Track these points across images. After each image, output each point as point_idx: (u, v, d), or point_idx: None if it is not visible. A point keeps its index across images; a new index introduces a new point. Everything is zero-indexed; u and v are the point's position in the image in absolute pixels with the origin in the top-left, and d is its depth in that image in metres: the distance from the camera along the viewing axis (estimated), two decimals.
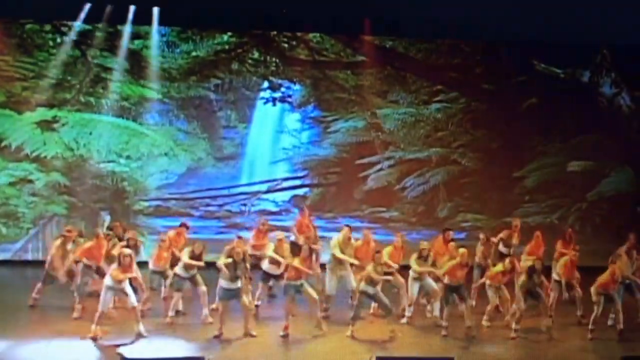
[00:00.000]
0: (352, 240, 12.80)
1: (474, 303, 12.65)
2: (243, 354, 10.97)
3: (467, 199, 17.32)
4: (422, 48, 17.23)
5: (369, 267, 11.73)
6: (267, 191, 17.25)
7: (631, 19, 15.19)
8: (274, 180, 17.29)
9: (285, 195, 17.30)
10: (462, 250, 11.99)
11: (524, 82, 17.18)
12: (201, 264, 12.08)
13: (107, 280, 11.36)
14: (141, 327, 11.37)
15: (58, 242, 12.83)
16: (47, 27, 16.31)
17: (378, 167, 17.28)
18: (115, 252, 12.01)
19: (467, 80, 17.23)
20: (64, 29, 16.31)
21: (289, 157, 17.30)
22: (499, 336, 11.94)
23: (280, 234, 13.06)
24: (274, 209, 17.02)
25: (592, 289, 11.88)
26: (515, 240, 13.60)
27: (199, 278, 12.22)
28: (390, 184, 17.29)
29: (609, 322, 12.22)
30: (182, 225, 13.49)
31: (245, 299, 11.60)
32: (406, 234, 15.70)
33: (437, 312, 12.40)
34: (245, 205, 17.08)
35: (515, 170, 17.34)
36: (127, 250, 11.54)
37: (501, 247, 13.52)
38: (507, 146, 17.27)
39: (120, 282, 11.26)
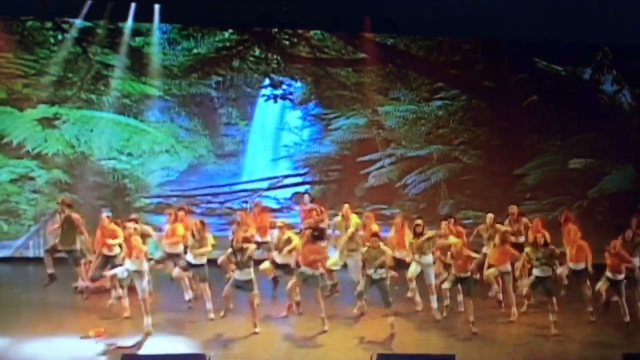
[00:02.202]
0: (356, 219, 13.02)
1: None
2: (246, 352, 10.97)
3: (468, 196, 17.32)
4: (423, 45, 17.24)
5: (363, 249, 11.76)
6: (268, 188, 17.25)
7: (632, 16, 15.19)
8: (275, 177, 17.30)
9: (287, 193, 17.30)
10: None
11: (525, 80, 17.19)
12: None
13: (138, 266, 11.40)
14: (149, 321, 11.34)
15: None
16: (48, 24, 16.30)
17: (379, 164, 17.30)
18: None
19: (468, 78, 17.24)
20: (65, 26, 16.31)
21: (290, 155, 17.31)
22: (500, 332, 11.94)
23: (281, 222, 12.96)
24: (275, 206, 16.99)
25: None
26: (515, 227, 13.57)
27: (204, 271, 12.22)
28: (392, 181, 17.31)
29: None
30: (181, 209, 13.53)
31: (255, 292, 11.55)
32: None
33: (434, 304, 12.35)
34: (246, 202, 17.05)
35: (516, 167, 17.35)
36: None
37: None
38: (508, 143, 17.29)
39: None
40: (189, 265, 12.25)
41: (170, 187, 16.94)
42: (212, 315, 12.03)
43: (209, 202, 17.05)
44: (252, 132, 17.17)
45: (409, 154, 17.30)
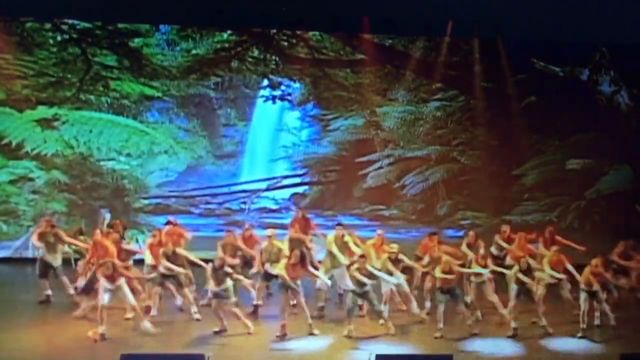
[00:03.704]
0: (347, 237, 12.77)
1: (469, 300, 12.62)
2: (243, 352, 10.98)
3: (467, 196, 17.36)
4: (421, 46, 17.25)
5: (352, 267, 11.78)
6: (267, 189, 17.30)
7: (630, 17, 15.24)
8: (274, 178, 17.34)
9: (285, 193, 17.35)
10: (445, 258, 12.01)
11: (523, 81, 17.20)
12: (177, 269, 12.02)
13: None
14: (147, 324, 11.40)
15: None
16: (47, 26, 16.38)
17: (377, 165, 17.33)
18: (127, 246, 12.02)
19: (467, 79, 17.26)
20: (64, 27, 16.37)
21: (288, 155, 17.36)
22: (497, 334, 11.97)
23: (270, 231, 12.91)
24: (273, 206, 17.07)
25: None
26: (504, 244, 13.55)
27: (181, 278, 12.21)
28: (390, 181, 17.34)
29: (596, 322, 12.25)
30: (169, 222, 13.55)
31: (231, 300, 11.56)
32: (406, 232, 15.84)
33: (415, 310, 12.30)
34: (245, 203, 17.13)
35: (515, 168, 17.39)
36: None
37: (493, 249, 13.54)
38: (506, 144, 17.32)
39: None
40: (163, 277, 12.18)
41: (169, 187, 17.01)
42: (197, 316, 12.02)
43: (208, 202, 17.09)
44: (251, 133, 17.22)
45: (408, 155, 17.34)
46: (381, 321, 11.83)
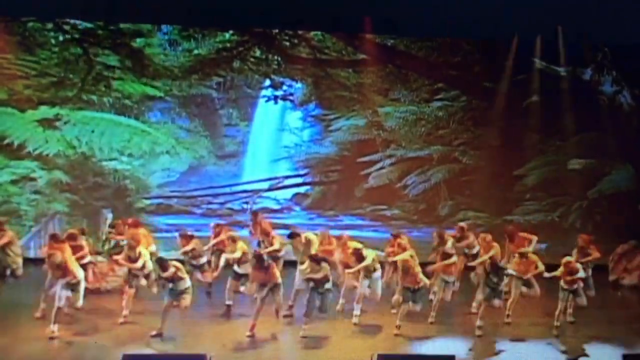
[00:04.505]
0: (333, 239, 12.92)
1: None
2: (244, 353, 11.00)
3: (468, 196, 17.39)
4: (423, 46, 17.31)
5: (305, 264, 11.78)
6: (269, 189, 17.34)
7: (632, 17, 15.24)
8: (276, 178, 17.38)
9: (287, 193, 17.39)
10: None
11: (525, 81, 17.22)
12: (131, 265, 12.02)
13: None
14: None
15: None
16: (49, 26, 16.41)
17: (379, 165, 17.36)
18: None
19: (468, 79, 17.32)
20: (65, 27, 16.41)
21: (290, 155, 17.39)
22: (499, 334, 12.02)
23: (230, 232, 13.12)
24: (275, 206, 17.09)
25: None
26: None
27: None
28: (392, 182, 17.37)
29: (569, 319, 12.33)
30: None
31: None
32: (407, 232, 15.81)
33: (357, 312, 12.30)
34: (247, 203, 17.16)
35: (516, 168, 17.41)
36: None
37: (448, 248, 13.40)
38: (507, 144, 17.32)
39: None
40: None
41: (171, 187, 17.04)
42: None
43: (210, 202, 17.12)
44: (253, 133, 17.25)
45: (409, 155, 17.37)
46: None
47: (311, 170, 17.46)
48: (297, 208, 17.23)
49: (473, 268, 12.91)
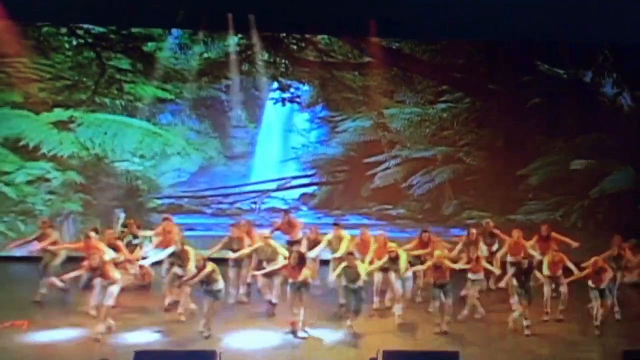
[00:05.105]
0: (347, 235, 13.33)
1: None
2: (253, 348, 11.27)
3: (472, 196, 17.53)
4: (427, 49, 17.46)
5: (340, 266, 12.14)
6: (277, 189, 17.55)
7: (632, 19, 15.29)
8: (284, 178, 17.58)
9: (295, 194, 17.61)
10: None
11: (528, 83, 17.37)
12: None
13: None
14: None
15: None
16: (63, 30, 16.66)
17: (385, 165, 17.53)
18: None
19: (472, 81, 17.43)
20: (79, 31, 16.67)
21: (298, 156, 17.59)
22: (503, 332, 12.26)
23: (264, 233, 13.38)
24: (283, 206, 17.19)
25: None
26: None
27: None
28: (397, 182, 17.54)
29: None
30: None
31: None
32: (413, 231, 16.05)
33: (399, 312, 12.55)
34: (255, 203, 17.37)
35: (519, 168, 17.53)
36: None
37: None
38: (511, 145, 17.48)
39: None
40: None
41: (181, 188, 17.27)
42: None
43: (219, 202, 17.34)
44: (261, 134, 17.45)
45: (414, 156, 17.54)
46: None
47: (318, 171, 17.65)
48: (305, 208, 17.45)
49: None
